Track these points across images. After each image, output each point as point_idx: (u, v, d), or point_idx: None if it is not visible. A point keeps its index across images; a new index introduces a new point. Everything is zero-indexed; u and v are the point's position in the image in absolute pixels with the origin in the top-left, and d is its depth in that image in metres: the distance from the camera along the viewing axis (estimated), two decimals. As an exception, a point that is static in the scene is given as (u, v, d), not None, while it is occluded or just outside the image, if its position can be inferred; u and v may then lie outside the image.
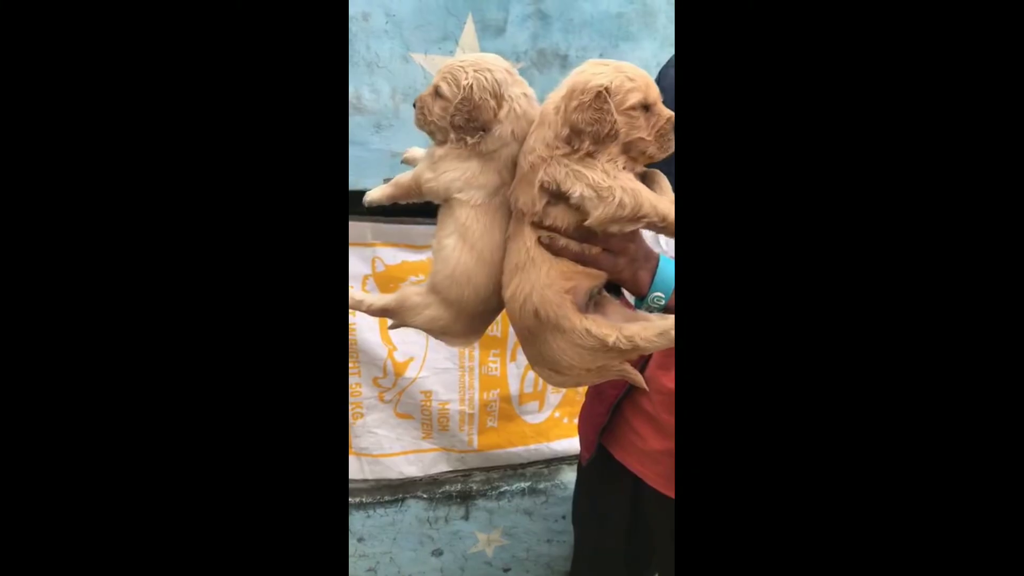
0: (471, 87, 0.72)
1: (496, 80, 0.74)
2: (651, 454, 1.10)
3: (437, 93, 0.76)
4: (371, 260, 1.53)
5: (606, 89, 0.65)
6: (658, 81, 1.08)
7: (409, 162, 0.89)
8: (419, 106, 0.78)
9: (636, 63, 1.14)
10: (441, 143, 0.77)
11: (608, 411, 1.15)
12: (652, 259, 0.75)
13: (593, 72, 0.68)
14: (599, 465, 1.22)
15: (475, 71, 0.73)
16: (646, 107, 0.67)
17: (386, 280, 1.55)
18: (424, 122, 0.78)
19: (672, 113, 0.68)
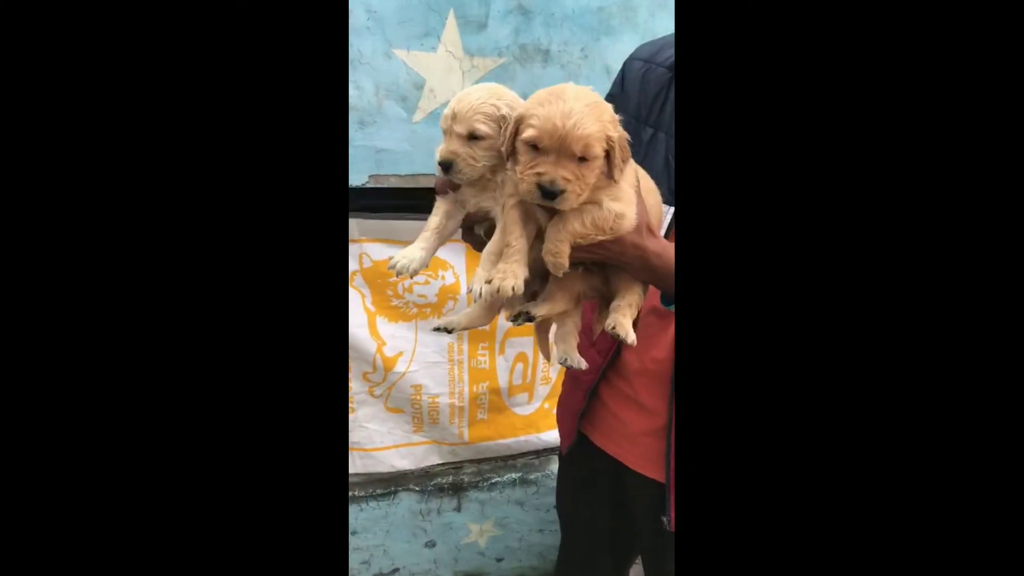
0: (506, 117, 0.76)
1: (515, 102, 0.78)
2: (631, 436, 1.12)
3: (473, 137, 0.77)
4: (358, 256, 1.54)
5: (516, 120, 0.73)
6: (623, 73, 1.09)
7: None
8: (459, 162, 0.78)
9: (617, 57, 1.16)
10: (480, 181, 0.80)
11: (585, 396, 1.17)
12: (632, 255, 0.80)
13: (530, 100, 0.73)
14: (580, 453, 1.23)
15: (500, 101, 0.78)
16: (535, 147, 0.71)
17: (373, 276, 1.56)
18: (473, 170, 0.78)
19: (543, 175, 0.71)
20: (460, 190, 0.82)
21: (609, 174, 0.73)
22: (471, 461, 1.79)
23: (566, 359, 0.86)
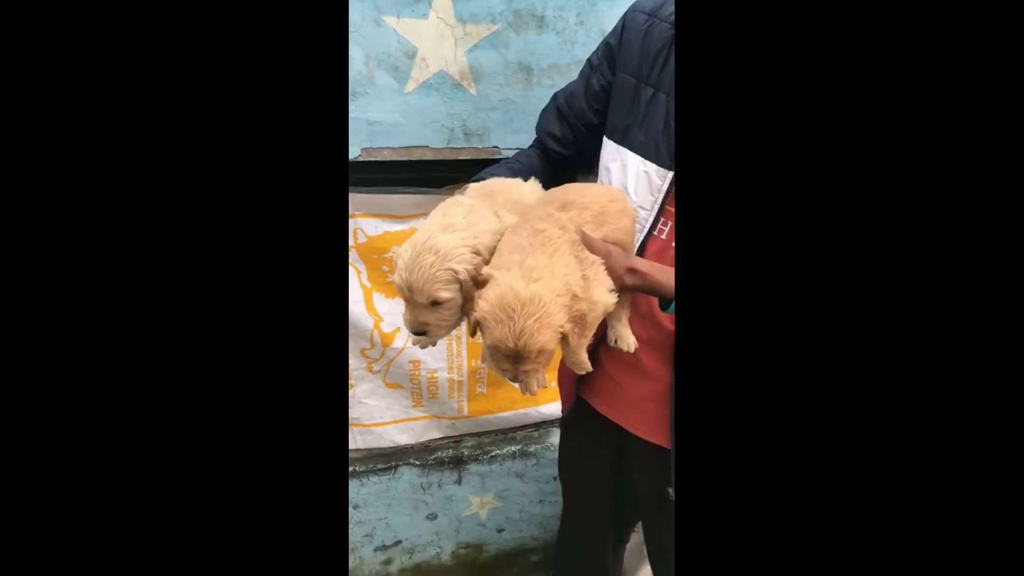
0: (464, 280, 0.77)
1: (465, 247, 0.78)
2: (632, 402, 1.12)
3: (436, 303, 0.78)
4: (352, 232, 1.51)
5: (478, 321, 0.77)
6: (624, 24, 1.06)
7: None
8: (430, 329, 0.81)
9: (614, 23, 1.12)
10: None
11: None
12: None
13: (489, 294, 0.76)
14: (581, 418, 1.24)
15: (453, 262, 0.77)
16: (496, 347, 0.77)
17: (368, 252, 1.53)
18: (447, 329, 0.82)
19: (507, 371, 0.78)
20: None
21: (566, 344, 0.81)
22: (471, 435, 1.79)
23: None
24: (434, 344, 0.85)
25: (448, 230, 0.80)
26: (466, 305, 0.81)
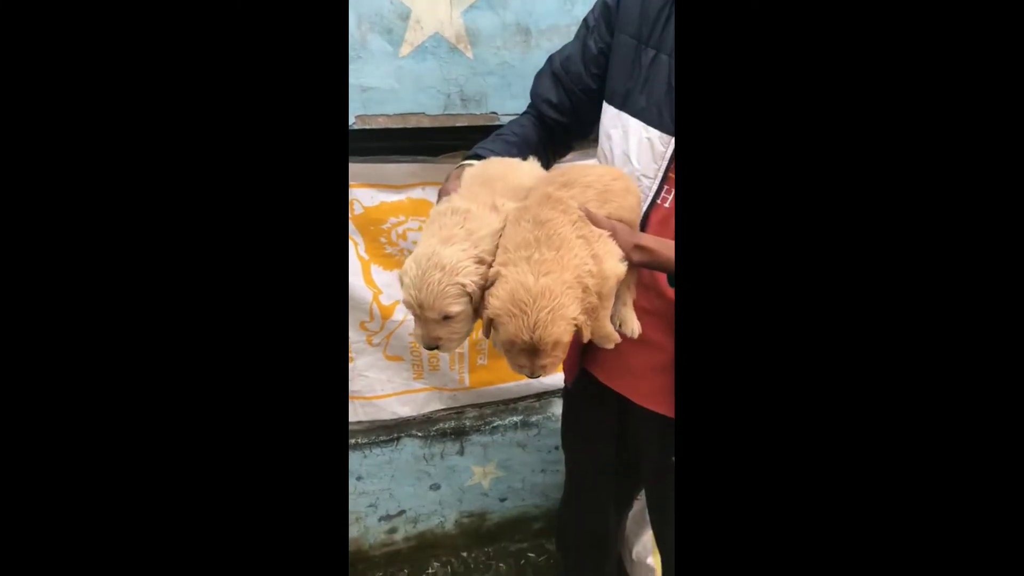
0: (472, 293, 0.78)
1: (470, 258, 0.79)
2: (635, 372, 1.11)
3: (447, 318, 0.79)
4: (349, 203, 1.48)
5: (491, 318, 0.78)
6: None
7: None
8: (443, 343, 0.82)
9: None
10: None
11: None
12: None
13: (499, 293, 0.76)
14: (584, 388, 1.23)
15: (460, 276, 0.77)
16: (511, 342, 0.77)
17: (365, 223, 1.51)
18: (459, 342, 0.84)
19: (524, 367, 0.79)
20: None
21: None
22: (472, 406, 1.80)
23: None
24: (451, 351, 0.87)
25: (449, 242, 0.80)
26: (477, 314, 0.82)
